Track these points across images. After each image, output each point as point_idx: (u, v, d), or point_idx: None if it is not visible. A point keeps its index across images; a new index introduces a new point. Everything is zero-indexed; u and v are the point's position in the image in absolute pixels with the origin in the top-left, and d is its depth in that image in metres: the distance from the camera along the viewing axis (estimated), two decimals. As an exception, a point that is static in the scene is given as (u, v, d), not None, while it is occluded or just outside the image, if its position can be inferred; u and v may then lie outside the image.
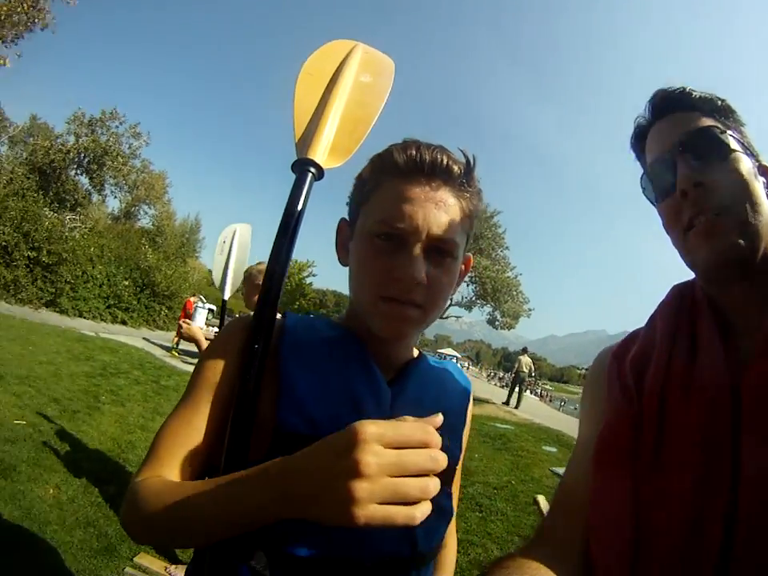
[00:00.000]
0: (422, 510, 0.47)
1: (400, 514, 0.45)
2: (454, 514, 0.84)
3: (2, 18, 7.88)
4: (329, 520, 0.48)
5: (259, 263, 2.82)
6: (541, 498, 5.01)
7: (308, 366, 0.71)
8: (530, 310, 24.12)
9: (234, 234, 3.06)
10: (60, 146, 23.35)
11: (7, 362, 6.65)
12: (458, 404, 0.86)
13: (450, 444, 0.75)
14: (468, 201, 0.73)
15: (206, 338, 2.93)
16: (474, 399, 0.95)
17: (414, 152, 0.69)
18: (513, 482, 5.57)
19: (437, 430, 0.51)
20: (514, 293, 23.48)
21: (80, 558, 2.75)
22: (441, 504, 0.74)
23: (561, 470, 6.11)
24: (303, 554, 0.63)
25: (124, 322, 17.24)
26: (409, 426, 0.50)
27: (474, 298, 24.37)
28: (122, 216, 33.20)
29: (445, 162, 0.70)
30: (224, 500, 0.56)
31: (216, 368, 0.73)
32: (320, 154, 0.81)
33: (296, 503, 0.51)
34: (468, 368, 58.12)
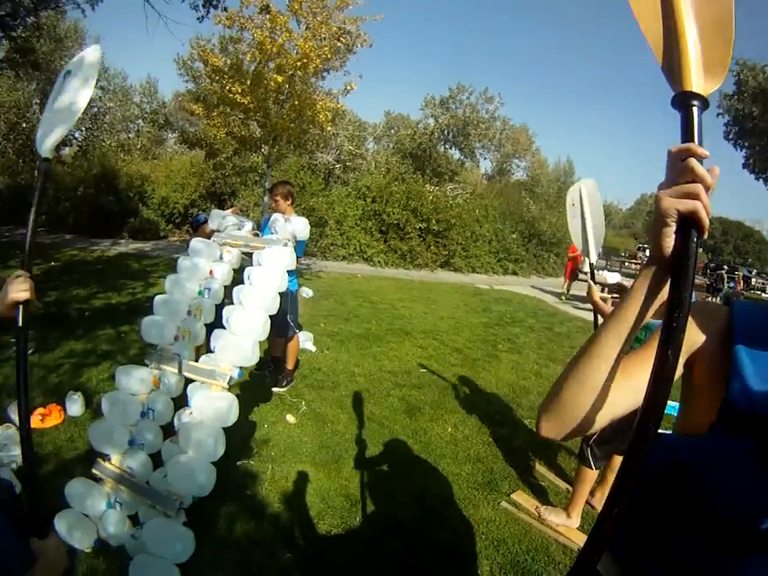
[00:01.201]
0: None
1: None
2: None
3: (329, 56, 9.51)
4: None
5: None
6: None
7: (755, 352, 0.78)
8: None
9: (579, 193, 2.95)
10: (423, 130, 26.67)
11: (413, 319, 7.90)
12: None
13: None
14: None
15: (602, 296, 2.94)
16: None
17: None
18: None
19: None
20: None
21: (464, 488, 3.11)
22: None
23: None
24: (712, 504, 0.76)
25: (514, 273, 18.28)
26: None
27: None
28: (496, 174, 35.61)
29: None
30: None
31: None
32: (696, 79, 0.69)
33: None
34: None
